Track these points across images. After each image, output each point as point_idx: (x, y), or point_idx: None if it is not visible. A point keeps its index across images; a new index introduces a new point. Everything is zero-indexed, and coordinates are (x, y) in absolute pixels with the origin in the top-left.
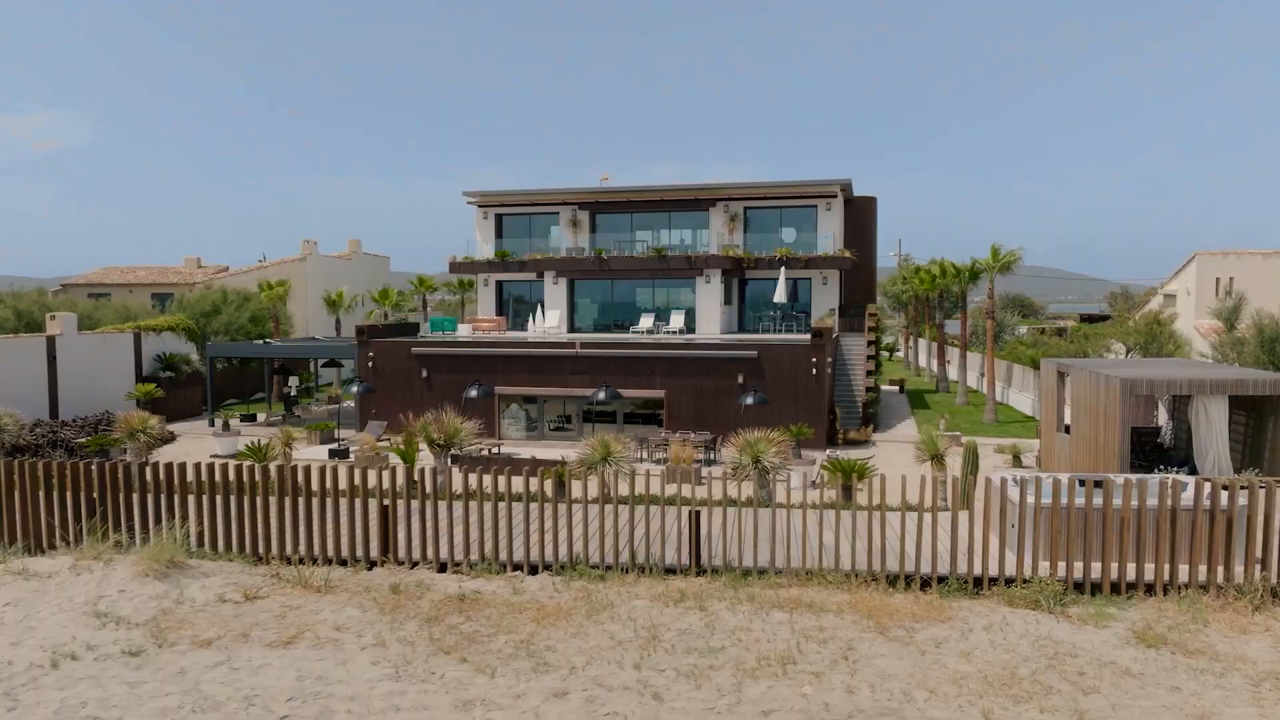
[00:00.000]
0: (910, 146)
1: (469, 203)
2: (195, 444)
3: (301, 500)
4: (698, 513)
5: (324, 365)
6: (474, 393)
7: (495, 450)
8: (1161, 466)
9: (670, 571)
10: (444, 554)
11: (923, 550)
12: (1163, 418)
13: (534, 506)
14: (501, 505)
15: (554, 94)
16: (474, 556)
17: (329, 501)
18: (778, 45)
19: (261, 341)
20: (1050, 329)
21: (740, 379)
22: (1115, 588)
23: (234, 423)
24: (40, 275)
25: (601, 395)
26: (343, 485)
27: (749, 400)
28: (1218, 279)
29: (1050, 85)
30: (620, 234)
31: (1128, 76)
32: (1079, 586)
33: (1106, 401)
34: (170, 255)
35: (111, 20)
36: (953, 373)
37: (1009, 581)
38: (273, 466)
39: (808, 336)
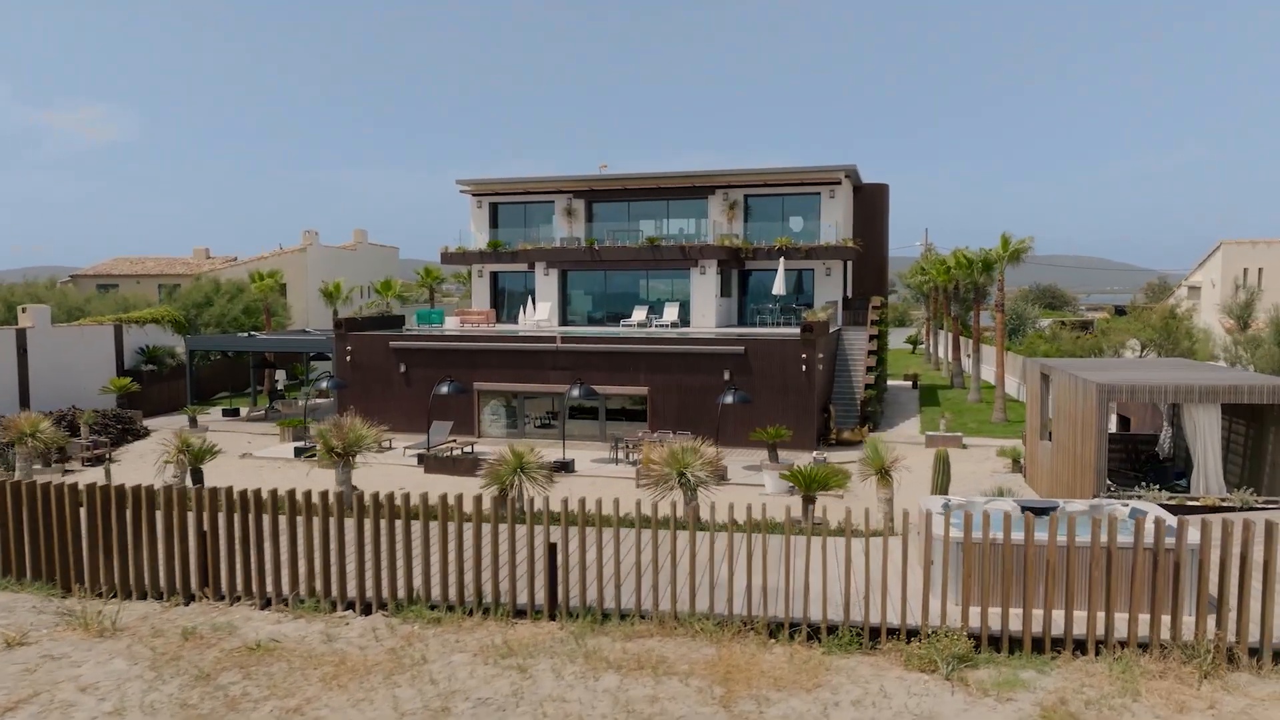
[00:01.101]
0: (953, 133)
1: (462, 191)
2: (160, 440)
3: (131, 513)
4: (554, 545)
5: (313, 359)
6: (445, 389)
7: (467, 449)
8: (1144, 483)
9: (520, 614)
10: (270, 587)
11: (832, 590)
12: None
13: (422, 526)
14: (394, 524)
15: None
16: (304, 591)
17: (147, 517)
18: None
19: (247, 334)
20: (1072, 322)
21: (726, 375)
22: (1039, 644)
23: (202, 418)
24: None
25: (575, 393)
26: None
27: (728, 399)
28: (1245, 270)
29: (1099, 69)
30: (617, 223)
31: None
32: (996, 642)
33: (1083, 408)
34: (203, 245)
35: (151, 13)
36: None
37: (913, 634)
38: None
39: (798, 331)
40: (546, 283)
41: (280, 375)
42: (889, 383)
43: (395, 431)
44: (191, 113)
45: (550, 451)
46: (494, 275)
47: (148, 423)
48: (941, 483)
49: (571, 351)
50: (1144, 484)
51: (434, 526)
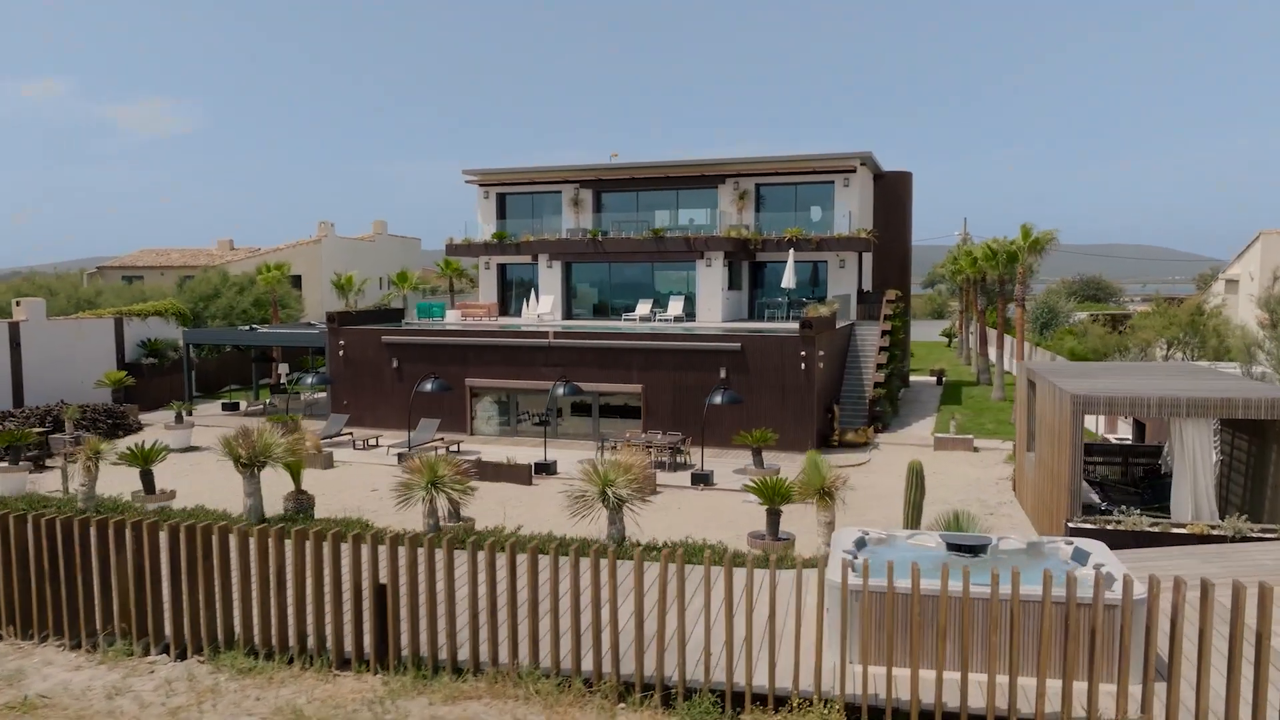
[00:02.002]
0: (1013, 116)
1: (468, 181)
2: (152, 435)
3: None
4: (384, 586)
5: (316, 353)
6: (430, 386)
7: (453, 448)
8: (1125, 507)
9: (347, 663)
10: (85, 625)
11: (718, 639)
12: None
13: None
14: (209, 552)
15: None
16: (118, 630)
17: None
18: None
19: (249, 328)
20: (1108, 315)
21: (723, 373)
22: (928, 718)
23: (201, 412)
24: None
25: (561, 391)
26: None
27: (718, 399)
28: None
29: (1159, 57)
30: (625, 214)
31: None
32: (881, 715)
33: (1059, 419)
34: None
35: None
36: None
37: (781, 702)
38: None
39: (796, 326)
40: (550, 275)
41: (283, 369)
42: (914, 379)
43: (387, 428)
44: (250, 105)
45: (542, 452)
46: (501, 267)
47: (146, 417)
48: (914, 499)
49: (564, 348)
50: (1124, 507)
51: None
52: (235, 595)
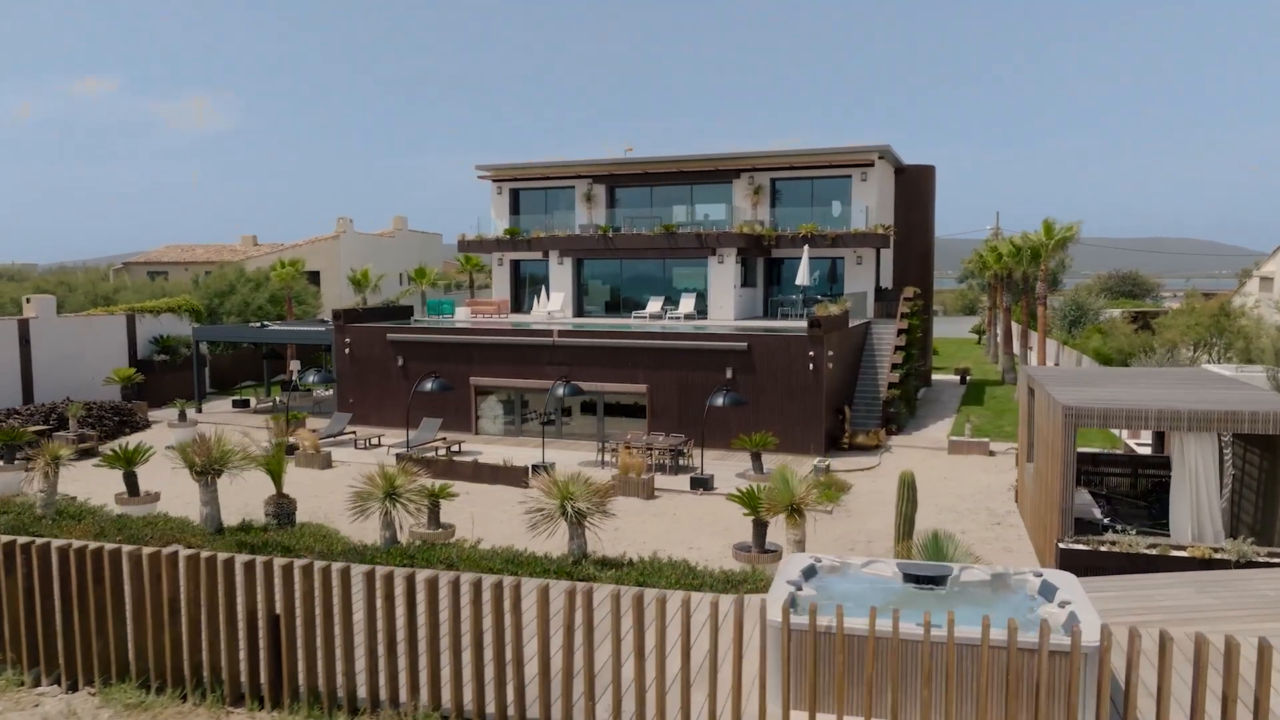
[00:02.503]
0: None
1: (480, 177)
2: (158, 434)
3: None
4: (278, 617)
5: (326, 350)
6: (430, 385)
7: (454, 448)
8: (1118, 527)
9: (240, 699)
10: None
11: (650, 677)
12: None
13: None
14: (99, 570)
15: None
16: (9, 658)
17: None
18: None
19: (260, 325)
20: (1137, 313)
21: (729, 373)
22: None
23: (211, 408)
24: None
25: (561, 391)
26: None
27: (720, 400)
28: None
29: (1212, 40)
30: (638, 209)
31: None
32: None
33: (1052, 431)
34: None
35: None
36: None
37: None
38: None
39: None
40: (560, 272)
41: (295, 365)
42: (938, 377)
43: (392, 427)
44: (285, 101)
45: (548, 452)
46: (514, 264)
47: (157, 414)
48: (905, 511)
49: (568, 347)
50: (1119, 528)
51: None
52: (129, 623)
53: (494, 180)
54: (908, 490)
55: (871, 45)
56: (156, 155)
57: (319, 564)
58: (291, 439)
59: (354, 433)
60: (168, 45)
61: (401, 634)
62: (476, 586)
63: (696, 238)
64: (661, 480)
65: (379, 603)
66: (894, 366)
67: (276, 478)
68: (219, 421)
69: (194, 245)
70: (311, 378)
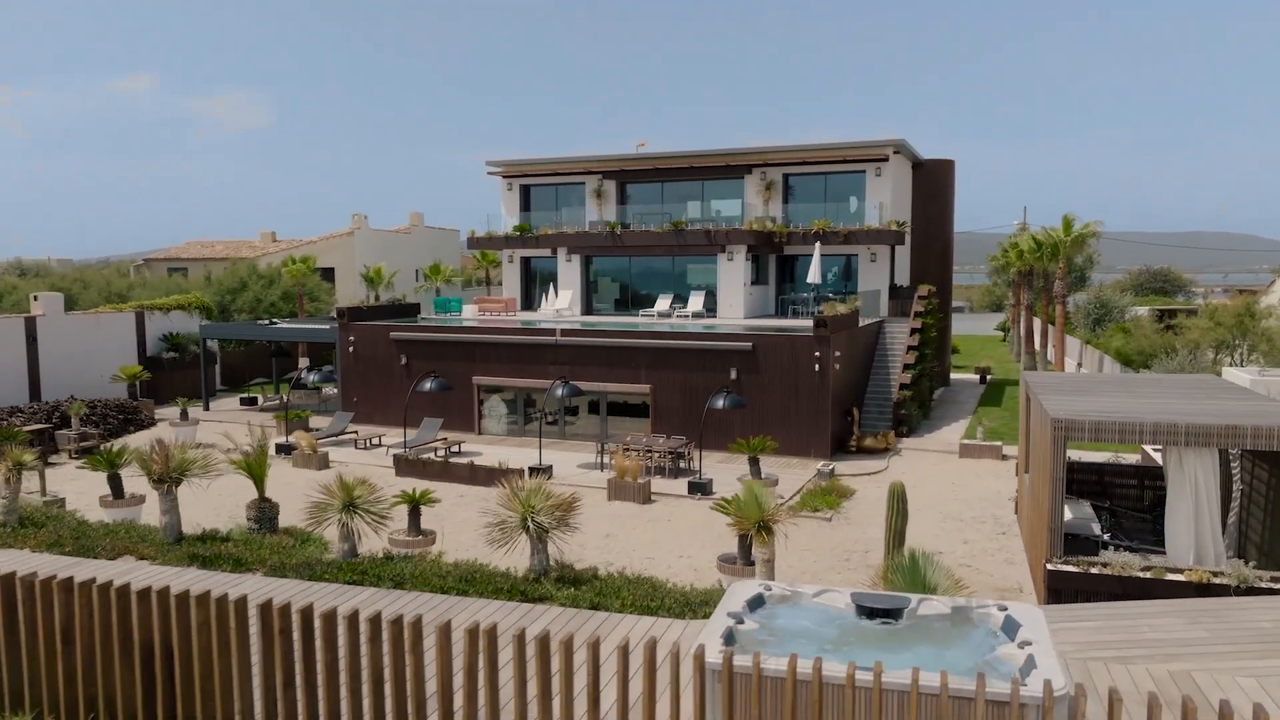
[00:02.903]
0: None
1: (490, 173)
2: (161, 432)
3: None
4: (170, 650)
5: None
6: (429, 385)
7: (454, 449)
8: (1112, 547)
9: None
10: None
11: None
12: None
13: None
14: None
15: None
16: None
17: None
18: None
19: (269, 322)
20: (1167, 310)
21: (733, 374)
22: None
23: (219, 405)
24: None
25: (560, 392)
26: None
27: (720, 402)
28: None
29: (1250, 32)
30: (649, 205)
31: None
32: None
33: (1042, 444)
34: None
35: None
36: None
37: None
38: None
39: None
40: (569, 269)
41: (305, 363)
42: (956, 377)
43: (396, 426)
44: (317, 99)
45: (549, 453)
46: (525, 261)
47: (164, 411)
48: (895, 524)
49: (571, 346)
50: (1114, 548)
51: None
52: (23, 651)
53: (504, 176)
54: (897, 502)
55: (900, 34)
56: (191, 152)
57: (216, 592)
58: (289, 439)
59: (355, 432)
60: (203, 44)
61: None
62: (374, 623)
63: (705, 235)
64: (660, 484)
65: (275, 637)
66: (906, 367)
67: (259, 481)
68: (224, 420)
69: (214, 241)
70: (312, 377)
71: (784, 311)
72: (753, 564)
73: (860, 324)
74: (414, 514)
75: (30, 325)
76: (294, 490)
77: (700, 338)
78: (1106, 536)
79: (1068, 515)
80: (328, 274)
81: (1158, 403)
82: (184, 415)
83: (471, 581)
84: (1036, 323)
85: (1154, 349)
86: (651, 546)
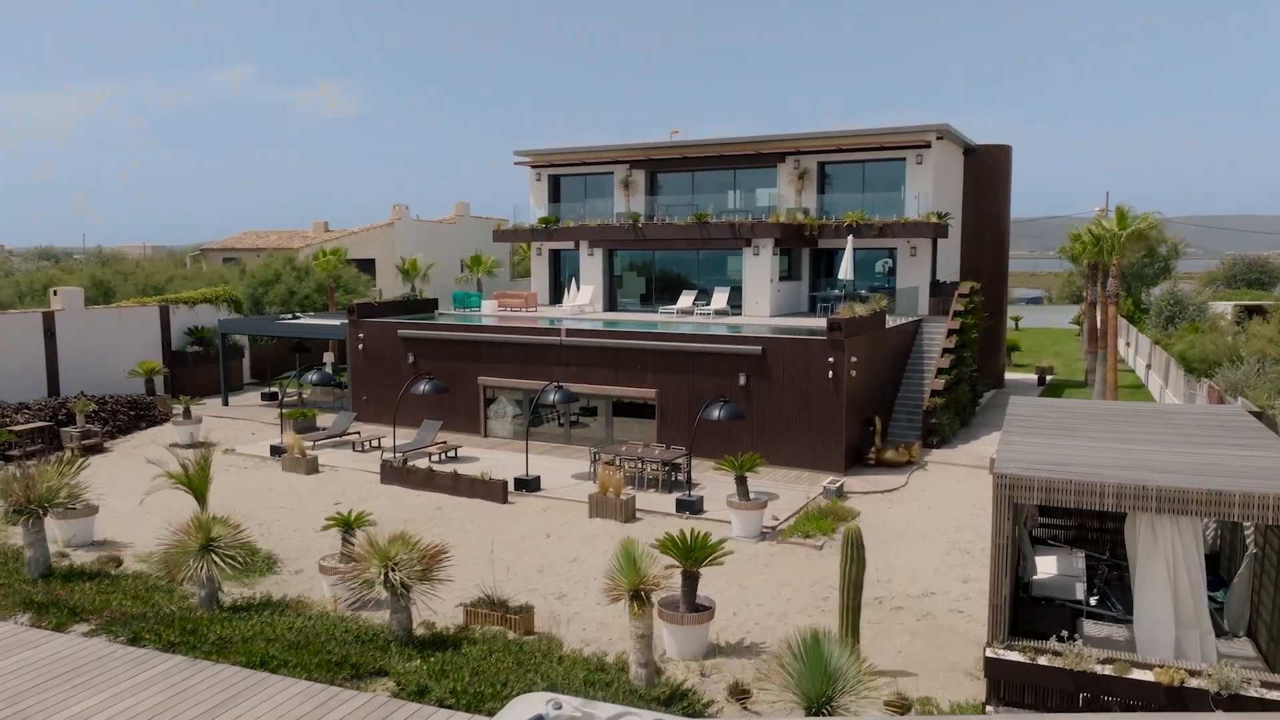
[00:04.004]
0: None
1: (517, 163)
2: (168, 430)
3: None
4: None
5: None
6: (424, 387)
7: (446, 455)
8: (1107, 607)
9: None
10: None
11: None
12: None
13: None
14: None
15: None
16: None
17: None
18: None
19: (291, 316)
20: (1242, 306)
21: (742, 379)
22: None
23: (238, 400)
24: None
25: (553, 398)
26: None
27: (715, 413)
28: None
29: None
30: (678, 196)
31: None
32: None
33: (989, 499)
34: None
35: None
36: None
37: None
38: None
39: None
40: (591, 263)
41: (328, 358)
42: (1013, 377)
43: (405, 426)
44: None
45: (548, 459)
46: (554, 254)
47: (180, 407)
48: (851, 576)
49: (576, 347)
50: (1111, 606)
51: None
52: None
53: (532, 166)
54: (852, 549)
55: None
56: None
57: None
58: (279, 440)
59: (358, 433)
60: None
61: None
62: None
63: (729, 228)
64: (649, 499)
65: None
66: (939, 371)
67: (199, 497)
68: (238, 417)
69: (267, 231)
70: (312, 376)
71: (816, 310)
72: (701, 610)
73: (892, 324)
74: (347, 538)
75: (48, 320)
76: (268, 499)
77: (708, 340)
78: (1094, 601)
79: (1047, 571)
80: (368, 265)
81: (1147, 450)
82: (187, 414)
83: (303, 648)
84: (1097, 317)
85: (1218, 355)
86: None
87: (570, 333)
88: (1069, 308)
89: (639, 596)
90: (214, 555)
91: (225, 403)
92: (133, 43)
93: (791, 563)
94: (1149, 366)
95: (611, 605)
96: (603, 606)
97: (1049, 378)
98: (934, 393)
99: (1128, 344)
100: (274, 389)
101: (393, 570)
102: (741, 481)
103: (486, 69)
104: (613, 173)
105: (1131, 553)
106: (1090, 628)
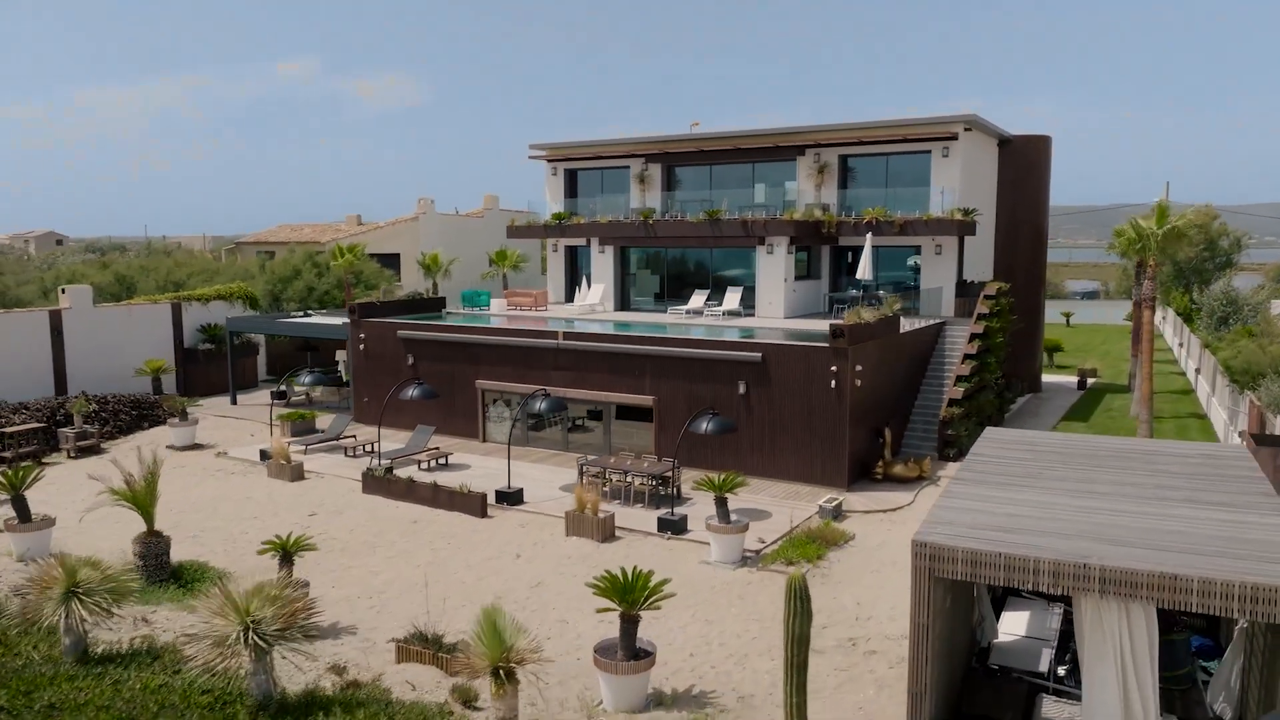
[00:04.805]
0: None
1: (532, 157)
2: (170, 430)
3: None
4: None
5: None
6: (412, 392)
7: (437, 463)
8: (1068, 684)
9: None
10: None
11: None
12: None
13: None
14: None
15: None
16: None
17: None
18: None
19: (303, 314)
20: None
21: (742, 387)
22: None
23: (246, 399)
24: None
25: (541, 405)
26: None
27: (705, 426)
28: None
29: None
30: (695, 191)
31: None
32: None
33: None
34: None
35: None
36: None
37: None
38: None
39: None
40: (602, 261)
41: (341, 356)
42: (1051, 379)
43: (405, 429)
44: (468, 78)
45: (541, 468)
46: (570, 250)
47: (191, 406)
48: (795, 630)
49: (573, 350)
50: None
51: None
52: None
53: (548, 160)
54: (797, 600)
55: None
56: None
57: None
58: (266, 445)
59: (353, 437)
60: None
61: None
62: None
63: (742, 225)
64: (632, 516)
65: None
66: (959, 379)
67: (145, 513)
68: (242, 416)
69: (301, 225)
70: (306, 377)
71: (833, 311)
72: (642, 657)
73: (912, 327)
74: (286, 562)
75: (55, 318)
76: (250, 507)
77: (707, 345)
78: (1063, 670)
79: (1012, 632)
80: (394, 260)
81: (1107, 509)
82: (183, 415)
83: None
84: (1162, 317)
85: (1261, 365)
86: (570, 604)
87: (567, 336)
88: (1125, 303)
89: (500, 674)
90: (81, 599)
91: (234, 401)
92: (200, 38)
93: (768, 594)
94: (1198, 371)
95: (564, 638)
96: (552, 641)
97: (1091, 381)
98: (952, 401)
99: (1181, 344)
100: (282, 388)
101: (252, 627)
102: (721, 503)
103: (536, 60)
104: (629, 167)
105: (1079, 636)
106: (1050, 708)
